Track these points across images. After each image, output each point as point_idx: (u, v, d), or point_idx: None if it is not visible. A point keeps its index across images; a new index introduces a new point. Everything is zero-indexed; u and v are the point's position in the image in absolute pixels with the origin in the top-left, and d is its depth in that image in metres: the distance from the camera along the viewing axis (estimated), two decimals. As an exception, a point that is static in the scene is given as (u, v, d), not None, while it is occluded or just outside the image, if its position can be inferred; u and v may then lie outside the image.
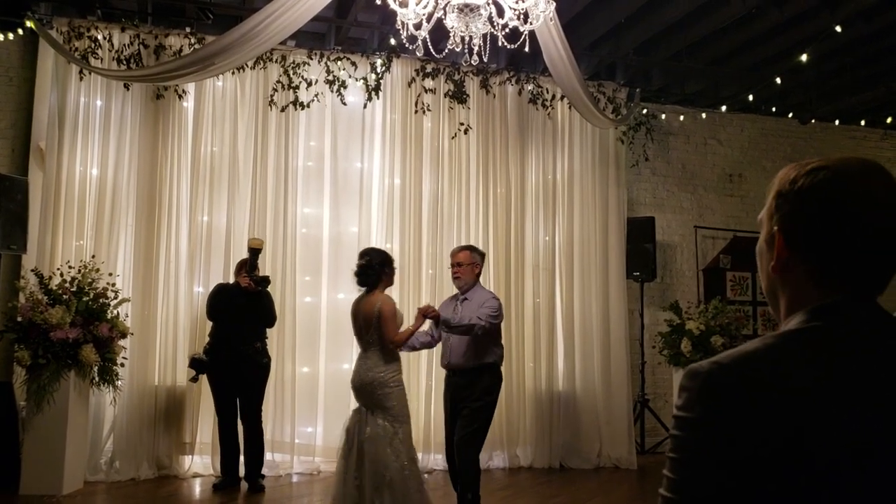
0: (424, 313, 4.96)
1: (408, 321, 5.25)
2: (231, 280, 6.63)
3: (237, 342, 6.31)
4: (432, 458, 7.32)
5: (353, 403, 7.22)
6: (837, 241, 1.09)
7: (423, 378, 7.35)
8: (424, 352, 7.09)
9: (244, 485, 6.38)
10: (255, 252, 6.39)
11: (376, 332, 4.88)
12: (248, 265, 6.38)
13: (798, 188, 1.12)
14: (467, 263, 5.27)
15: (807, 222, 1.10)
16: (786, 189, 1.14)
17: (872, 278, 1.10)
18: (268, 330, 6.64)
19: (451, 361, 5.21)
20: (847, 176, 1.10)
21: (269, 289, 6.63)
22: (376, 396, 4.82)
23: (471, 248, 5.48)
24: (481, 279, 5.48)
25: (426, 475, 7.11)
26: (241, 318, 6.34)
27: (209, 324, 6.64)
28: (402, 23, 4.41)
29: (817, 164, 1.12)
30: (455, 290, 5.46)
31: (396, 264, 7.31)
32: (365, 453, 4.74)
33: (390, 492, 4.64)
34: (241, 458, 6.45)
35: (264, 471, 6.66)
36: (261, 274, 6.51)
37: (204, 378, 6.42)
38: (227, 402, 6.37)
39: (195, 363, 6.29)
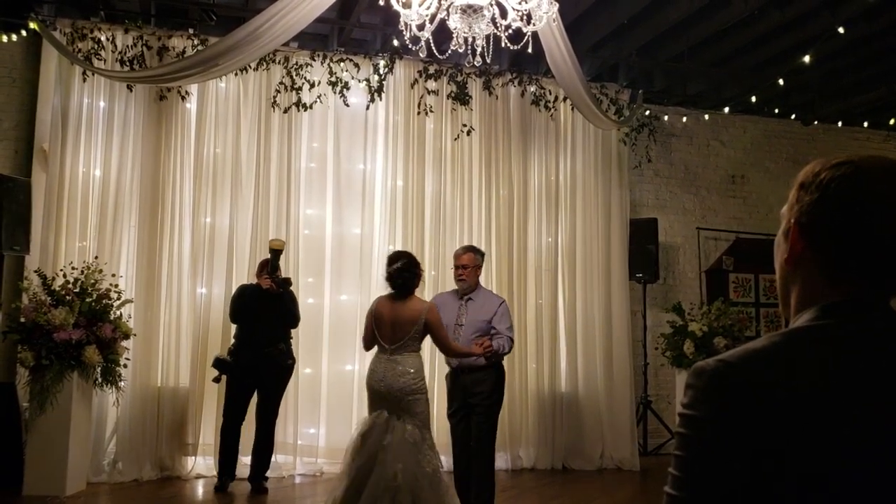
0: (484, 348, 4.96)
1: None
2: (253, 281, 6.61)
3: (262, 344, 6.31)
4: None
5: (359, 405, 7.23)
6: (854, 238, 1.07)
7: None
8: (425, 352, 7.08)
9: (247, 486, 6.37)
10: (276, 253, 6.40)
11: (419, 337, 4.85)
12: (270, 266, 6.38)
13: (820, 181, 1.10)
14: (472, 265, 5.34)
15: (825, 216, 1.09)
16: (808, 181, 1.12)
17: (887, 279, 1.09)
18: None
19: (462, 361, 5.23)
20: (871, 173, 1.08)
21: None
22: (405, 402, 4.72)
23: (474, 250, 5.53)
24: (494, 280, 5.59)
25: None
26: (264, 319, 6.33)
27: (214, 325, 6.63)
28: (405, 24, 4.42)
29: (843, 159, 1.11)
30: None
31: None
32: (377, 461, 4.55)
33: (422, 499, 4.53)
34: (249, 458, 6.43)
35: (266, 472, 6.66)
36: (282, 275, 6.51)
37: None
38: (240, 404, 6.35)
39: (219, 364, 6.28)
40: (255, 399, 6.45)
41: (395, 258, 4.99)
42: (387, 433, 4.63)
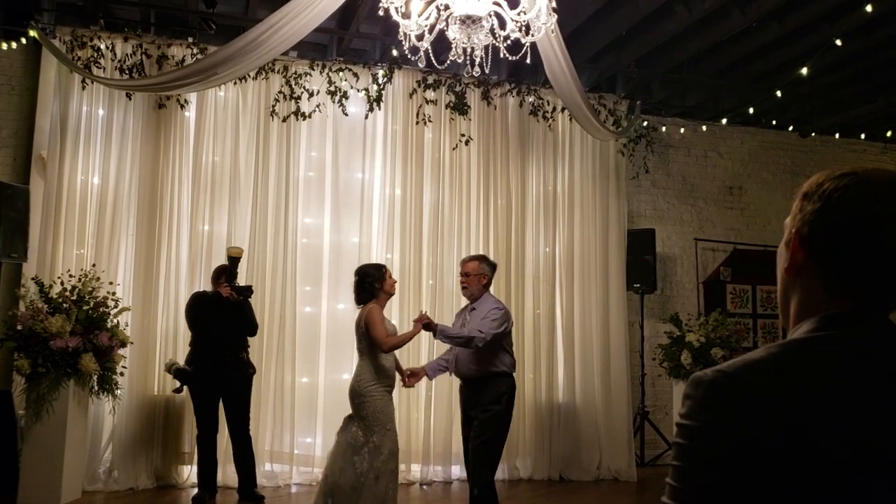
0: (420, 321, 5.01)
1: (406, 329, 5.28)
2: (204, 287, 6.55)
3: (223, 353, 6.20)
4: (431, 470, 7.30)
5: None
6: (855, 249, 1.07)
7: (423, 388, 7.32)
8: (424, 358, 7.06)
9: (235, 496, 6.33)
10: (234, 261, 6.26)
11: (364, 341, 4.95)
12: (228, 274, 6.25)
13: (822, 191, 1.10)
14: (475, 274, 5.29)
15: (826, 226, 1.09)
16: (811, 191, 1.12)
17: (888, 291, 1.08)
18: (257, 339, 6.60)
19: (458, 370, 5.25)
20: (874, 184, 1.08)
21: (265, 296, 6.55)
22: (354, 405, 4.92)
23: (480, 259, 5.48)
24: (491, 290, 5.50)
25: (425, 486, 7.11)
26: (224, 327, 6.21)
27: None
28: (405, 34, 4.43)
29: (847, 170, 1.11)
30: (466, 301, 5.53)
31: (396, 275, 7.38)
32: (329, 458, 4.94)
33: (336, 498, 4.73)
34: (232, 469, 6.38)
35: (263, 481, 6.62)
36: (240, 283, 6.38)
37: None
38: (210, 412, 6.24)
39: (181, 374, 6.14)
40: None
41: (355, 273, 5.22)
42: (342, 433, 4.93)
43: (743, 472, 0.97)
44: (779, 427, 0.97)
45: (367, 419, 4.84)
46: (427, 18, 4.34)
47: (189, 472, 6.80)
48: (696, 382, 1.04)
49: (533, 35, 4.49)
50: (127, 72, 7.06)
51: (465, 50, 4.38)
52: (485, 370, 5.12)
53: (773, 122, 9.32)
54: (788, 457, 0.96)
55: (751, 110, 8.62)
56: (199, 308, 6.30)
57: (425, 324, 5.02)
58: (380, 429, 4.83)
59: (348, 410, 7.24)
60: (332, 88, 7.47)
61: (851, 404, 0.99)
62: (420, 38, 4.40)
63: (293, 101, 7.40)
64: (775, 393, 0.99)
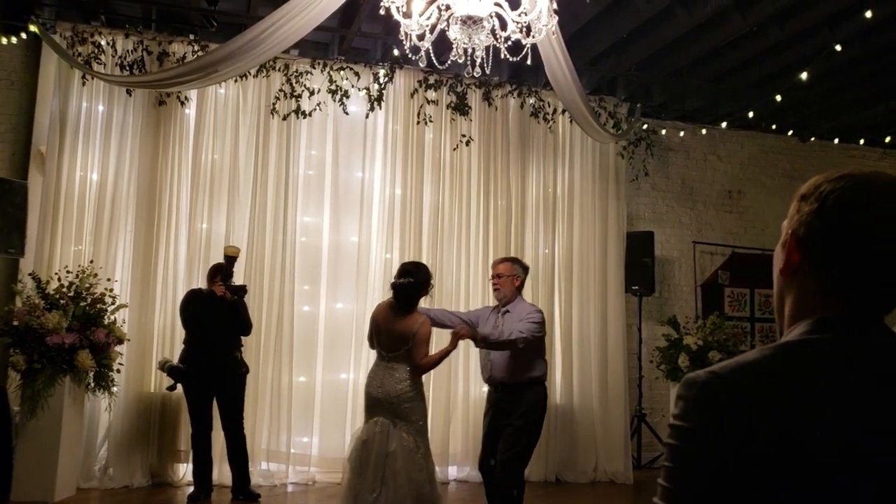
0: (459, 335, 4.79)
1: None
2: (199, 285, 6.53)
3: (216, 351, 6.18)
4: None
5: (353, 414, 7.20)
6: (850, 251, 1.07)
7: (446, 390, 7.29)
8: (450, 364, 6.93)
9: (230, 494, 6.31)
10: (231, 260, 6.25)
11: (411, 349, 4.83)
12: (224, 273, 6.23)
13: (819, 193, 1.10)
14: (507, 275, 5.09)
15: (822, 227, 1.09)
16: (808, 193, 1.12)
17: (882, 295, 1.08)
18: (254, 337, 6.59)
19: (492, 376, 5.00)
20: (870, 187, 1.08)
21: (262, 294, 6.52)
22: (402, 409, 4.72)
23: (512, 260, 5.29)
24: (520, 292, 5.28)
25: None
26: (218, 326, 6.19)
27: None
28: (406, 34, 4.43)
29: (846, 172, 1.11)
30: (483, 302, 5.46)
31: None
32: (387, 468, 4.61)
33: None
34: (228, 468, 6.36)
35: (259, 480, 6.61)
36: (236, 282, 6.37)
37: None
38: (204, 411, 6.22)
39: (174, 372, 6.11)
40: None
41: (405, 272, 4.94)
42: (389, 440, 4.66)
43: (734, 472, 0.97)
44: (771, 429, 0.97)
45: (419, 423, 4.76)
46: (428, 18, 4.34)
47: (185, 471, 6.78)
48: (689, 383, 1.04)
49: (534, 36, 4.49)
50: (127, 68, 7.05)
51: (465, 50, 4.37)
52: (522, 376, 4.89)
53: (773, 127, 9.34)
54: (779, 458, 0.96)
55: (750, 114, 8.63)
56: (193, 306, 6.29)
57: (467, 335, 4.78)
58: (425, 433, 4.83)
59: (345, 410, 7.23)
60: (333, 87, 7.46)
61: (839, 407, 0.99)
62: (421, 37, 4.40)
63: (294, 99, 7.39)
64: (768, 395, 0.99)
